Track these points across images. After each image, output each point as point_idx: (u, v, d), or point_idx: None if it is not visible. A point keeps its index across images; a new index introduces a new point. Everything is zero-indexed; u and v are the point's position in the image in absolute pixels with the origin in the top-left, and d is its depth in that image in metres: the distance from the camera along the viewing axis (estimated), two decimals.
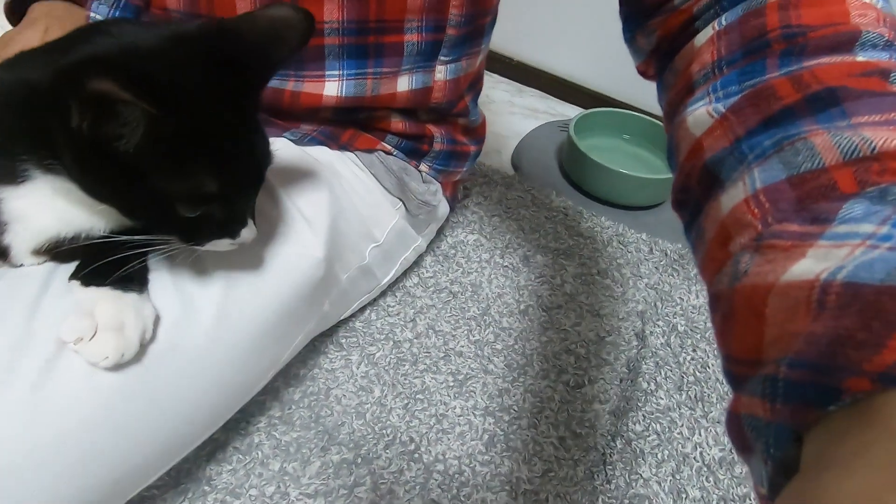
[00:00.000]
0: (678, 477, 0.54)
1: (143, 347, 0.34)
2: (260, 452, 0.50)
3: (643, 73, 0.38)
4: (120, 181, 0.29)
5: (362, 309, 0.64)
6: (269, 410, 0.53)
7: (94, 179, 0.29)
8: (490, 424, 0.56)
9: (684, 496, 0.53)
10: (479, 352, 0.63)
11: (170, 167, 0.28)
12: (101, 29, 0.30)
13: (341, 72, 0.48)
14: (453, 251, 0.75)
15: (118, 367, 0.33)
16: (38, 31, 0.45)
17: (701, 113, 0.26)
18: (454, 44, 0.51)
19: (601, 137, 0.98)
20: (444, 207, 0.67)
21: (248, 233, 0.34)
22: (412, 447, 0.53)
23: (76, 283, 0.33)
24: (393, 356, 0.61)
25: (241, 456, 0.50)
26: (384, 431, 0.54)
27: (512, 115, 1.12)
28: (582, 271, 0.76)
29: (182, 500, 0.46)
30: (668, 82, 0.33)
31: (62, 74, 0.26)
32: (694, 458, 0.56)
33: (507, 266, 0.75)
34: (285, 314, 0.43)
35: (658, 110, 1.12)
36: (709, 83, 0.27)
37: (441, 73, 0.53)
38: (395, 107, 0.53)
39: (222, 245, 0.33)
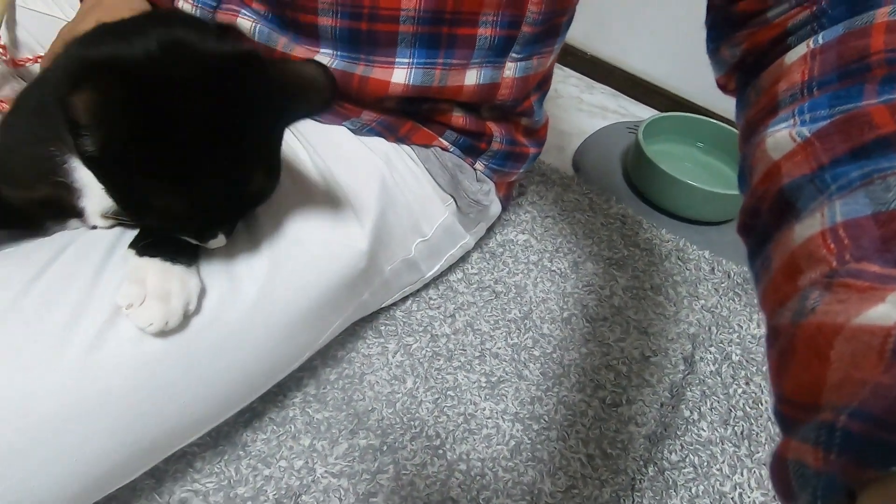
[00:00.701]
0: None
1: (187, 318, 0.37)
2: (293, 426, 0.52)
3: (723, 86, 0.35)
4: (105, 174, 0.30)
5: (404, 298, 0.65)
6: (305, 387, 0.55)
7: (86, 162, 0.31)
8: (518, 431, 0.55)
9: None
10: (515, 356, 0.62)
11: (143, 183, 0.29)
12: (145, 26, 0.31)
13: (411, 60, 0.48)
14: (501, 249, 0.74)
15: (163, 334, 0.35)
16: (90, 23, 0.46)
17: (783, 135, 0.25)
18: (527, 41, 0.50)
19: (672, 143, 0.93)
20: (495, 207, 0.66)
21: (215, 242, 0.34)
22: (437, 442, 0.53)
23: (131, 252, 0.36)
24: (429, 349, 0.61)
25: (275, 427, 0.52)
26: (412, 423, 0.54)
27: (579, 112, 1.08)
28: (633, 284, 0.73)
29: (219, 461, 0.49)
30: (749, 99, 0.30)
31: (77, 66, 0.28)
32: (732, 498, 0.53)
33: (554, 271, 0.73)
34: (324, 300, 0.45)
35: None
36: (795, 104, 0.25)
37: (510, 70, 0.51)
38: (460, 100, 0.52)
39: (190, 240, 0.35)
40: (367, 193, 0.47)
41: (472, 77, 0.50)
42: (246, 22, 0.45)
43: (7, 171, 0.37)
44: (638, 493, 0.52)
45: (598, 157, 0.95)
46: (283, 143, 0.47)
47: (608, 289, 0.72)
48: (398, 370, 0.59)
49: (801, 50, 0.27)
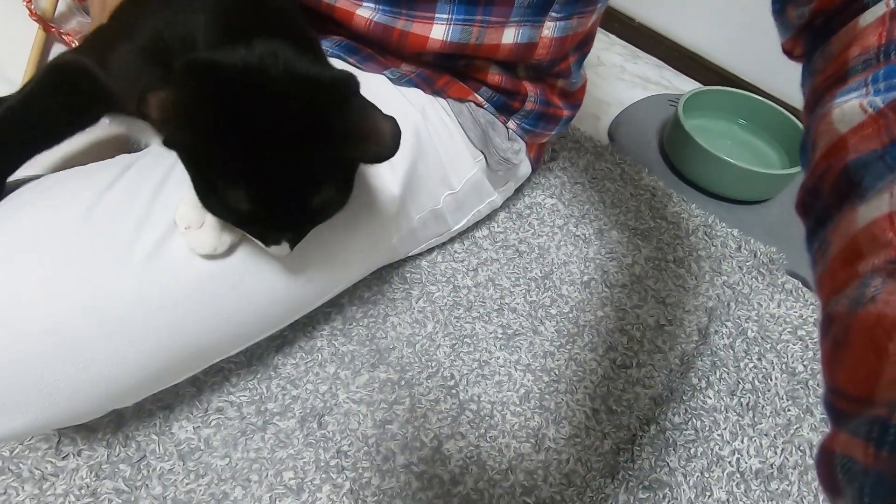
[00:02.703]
0: (707, 475, 0.54)
1: (233, 248, 0.40)
2: (320, 355, 0.57)
3: (788, 52, 0.33)
4: (181, 157, 0.33)
5: (430, 250, 0.67)
6: (333, 321, 0.60)
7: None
8: (528, 381, 0.59)
9: (708, 494, 0.53)
10: (532, 312, 0.65)
11: (214, 176, 0.32)
12: (250, 33, 0.33)
13: (450, 16, 0.49)
14: (528, 211, 0.76)
15: (210, 258, 0.39)
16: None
17: (852, 106, 0.22)
18: (568, 0, 0.50)
19: (713, 119, 0.91)
20: (525, 167, 0.67)
21: (277, 249, 0.36)
22: (451, 383, 0.57)
23: None
24: (450, 298, 0.64)
25: (304, 354, 0.57)
26: (429, 363, 0.58)
27: (620, 82, 1.06)
28: (657, 255, 0.73)
29: (252, 379, 0.54)
30: (817, 66, 0.28)
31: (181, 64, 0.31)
32: (729, 462, 0.55)
33: (578, 236, 0.74)
34: (354, 240, 0.48)
35: (788, 98, 1.02)
36: (868, 72, 0.23)
37: (549, 29, 0.51)
38: (496, 58, 0.53)
39: (255, 240, 0.37)
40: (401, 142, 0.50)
41: (509, 35, 0.51)
42: None
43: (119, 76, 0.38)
44: (638, 448, 0.55)
45: (634, 128, 0.94)
46: None
47: (630, 257, 0.73)
48: (420, 315, 0.62)
49: (878, 10, 0.24)
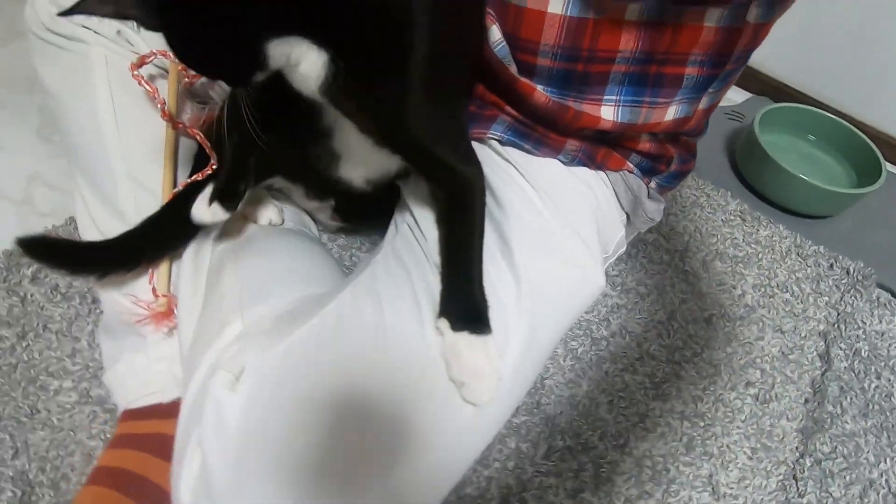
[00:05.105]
0: (866, 501, 0.59)
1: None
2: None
3: None
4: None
5: None
6: None
7: None
8: (687, 428, 0.62)
9: None
10: (670, 356, 0.67)
11: None
12: None
13: (618, 97, 0.49)
14: (635, 250, 0.78)
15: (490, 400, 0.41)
16: None
17: None
18: (726, 76, 0.51)
19: (782, 135, 0.94)
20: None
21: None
22: (622, 441, 0.60)
23: (446, 325, 0.40)
24: (593, 353, 0.66)
25: None
26: (596, 424, 0.60)
27: None
28: (761, 282, 0.77)
29: None
30: None
31: None
32: (880, 484, 0.60)
33: (687, 271, 0.77)
34: (562, 335, 0.49)
35: (848, 110, 1.04)
36: None
37: (703, 103, 0.53)
38: (654, 132, 0.54)
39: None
40: (590, 228, 0.50)
41: (671, 113, 0.52)
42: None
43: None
44: (801, 483, 0.59)
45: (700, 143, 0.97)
46: (514, 183, 0.50)
47: (739, 288, 0.76)
48: (571, 374, 0.64)
49: None
